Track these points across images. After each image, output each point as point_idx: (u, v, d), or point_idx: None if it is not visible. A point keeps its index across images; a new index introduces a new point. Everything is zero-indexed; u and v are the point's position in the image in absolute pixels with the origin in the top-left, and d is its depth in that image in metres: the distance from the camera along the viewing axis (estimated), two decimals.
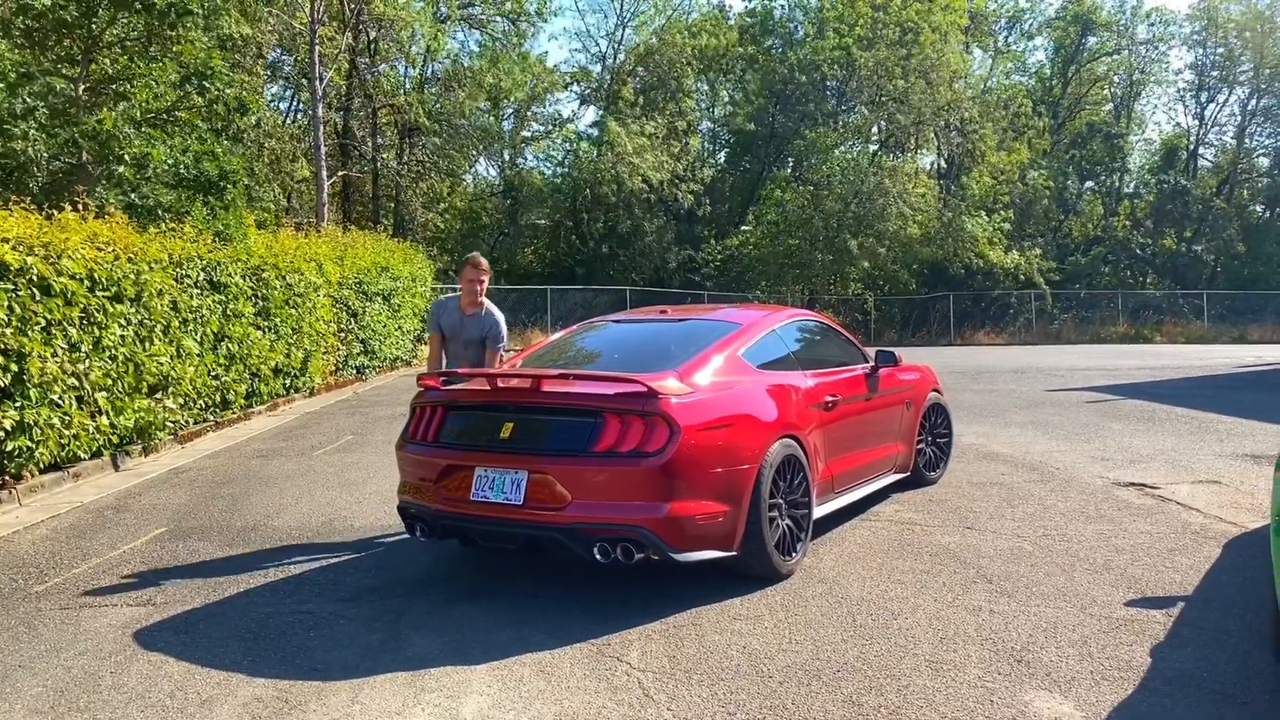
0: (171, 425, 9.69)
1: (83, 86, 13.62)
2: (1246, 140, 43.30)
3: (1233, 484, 7.42)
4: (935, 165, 40.98)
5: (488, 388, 5.07)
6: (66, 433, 7.75)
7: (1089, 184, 43.43)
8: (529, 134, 39.92)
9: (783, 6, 40.64)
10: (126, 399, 8.71)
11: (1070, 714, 3.43)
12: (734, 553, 4.81)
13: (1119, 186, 43.73)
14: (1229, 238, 40.64)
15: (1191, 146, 44.00)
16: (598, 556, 4.53)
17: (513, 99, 36.63)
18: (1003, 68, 43.65)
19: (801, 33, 39.74)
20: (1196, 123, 44.27)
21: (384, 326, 17.91)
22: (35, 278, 7.36)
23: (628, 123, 34.82)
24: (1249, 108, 42.65)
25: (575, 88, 40.62)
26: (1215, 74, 42.45)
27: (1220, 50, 41.93)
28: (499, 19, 35.36)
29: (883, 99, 35.99)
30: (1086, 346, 30.73)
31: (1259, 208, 44.02)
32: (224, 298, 10.97)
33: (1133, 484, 7.47)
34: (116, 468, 8.59)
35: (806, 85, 36.90)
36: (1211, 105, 43.73)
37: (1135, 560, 5.33)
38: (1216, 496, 6.98)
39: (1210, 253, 41.58)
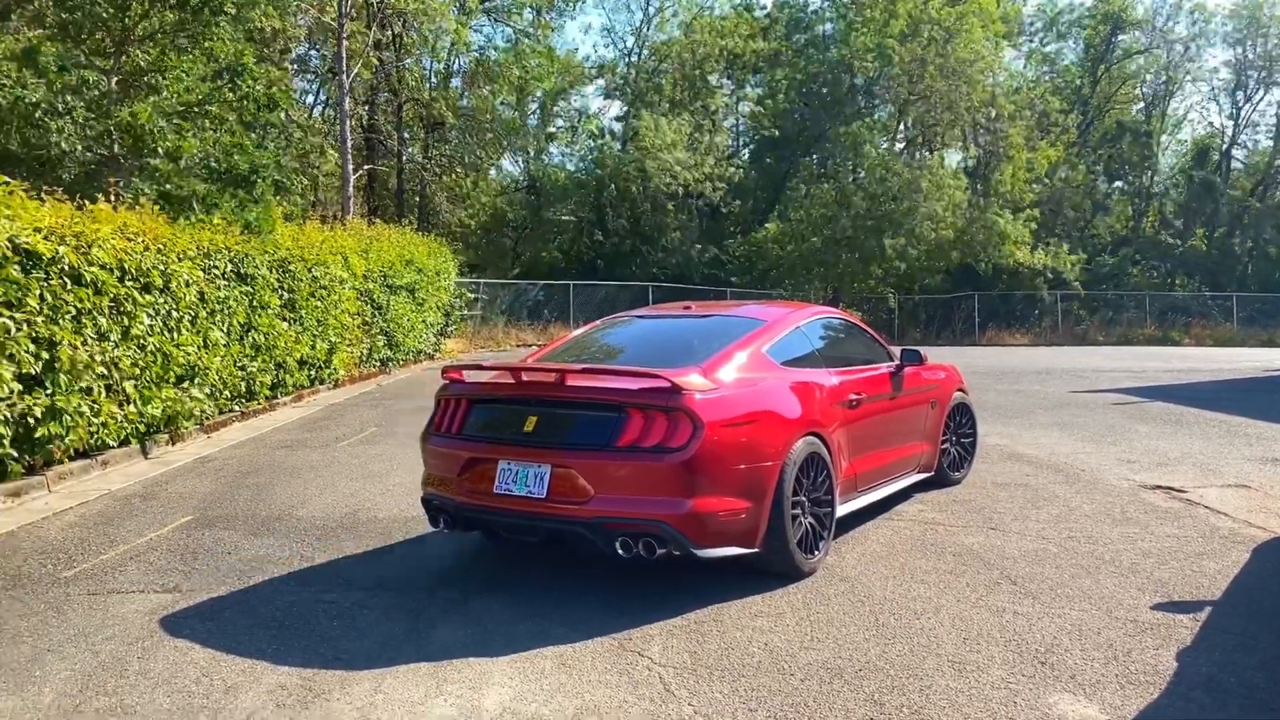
0: (198, 415, 9.79)
1: (115, 79, 13.76)
2: None
3: (1262, 488, 7.33)
4: (963, 163, 40.69)
5: (512, 381, 5.08)
6: (95, 420, 7.84)
7: (1118, 184, 42.97)
8: (554, 129, 40.00)
9: (813, 1, 40.46)
10: (154, 388, 8.80)
11: (1095, 717, 3.40)
12: (756, 550, 4.80)
13: (1149, 186, 43.23)
14: (1262, 239, 40.08)
15: (1225, 146, 43.43)
16: (619, 551, 4.53)
17: (538, 92, 36.65)
18: (1034, 68, 43.28)
19: (832, 29, 39.53)
20: (1231, 122, 43.75)
21: (408, 320, 18.00)
22: (66, 267, 7.45)
23: (657, 117, 34.79)
24: None
25: (600, 82, 40.65)
26: (1253, 74, 41.88)
27: (1260, 49, 41.32)
28: (526, 9, 35.40)
29: (914, 96, 35.76)
30: (1113, 348, 30.43)
31: None
32: (251, 289, 11.06)
33: (1159, 487, 7.39)
34: (145, 456, 8.68)
35: (836, 82, 36.72)
36: (1248, 105, 43.19)
37: (1162, 564, 5.27)
38: (1245, 501, 6.89)
39: (1242, 254, 41.04)
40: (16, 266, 6.90)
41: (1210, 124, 45.77)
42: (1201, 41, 42.29)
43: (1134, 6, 41.02)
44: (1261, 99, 42.96)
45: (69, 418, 7.42)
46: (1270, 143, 43.21)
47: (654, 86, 37.51)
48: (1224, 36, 42.42)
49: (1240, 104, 43.15)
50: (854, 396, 5.83)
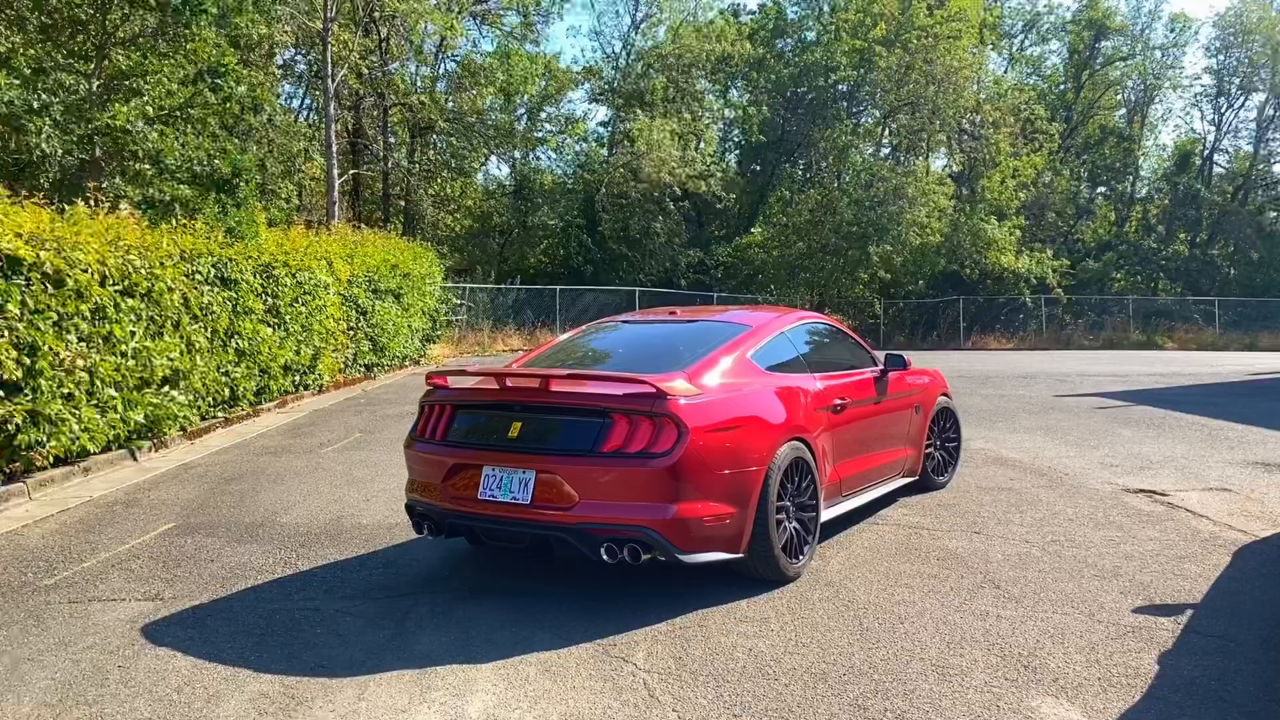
0: (181, 420, 9.72)
1: (96, 82, 13.68)
2: (1263, 147, 43.09)
3: (1243, 492, 7.39)
4: (947, 169, 40.90)
5: (496, 387, 5.07)
6: (77, 427, 7.78)
7: (1101, 189, 43.29)
8: (540, 134, 39.97)
9: (795, 8, 40.58)
10: (137, 394, 8.75)
11: None
12: (741, 555, 4.80)
13: (1132, 192, 43.57)
14: (1243, 244, 40.47)
15: (1206, 152, 43.82)
16: (605, 557, 4.52)
17: (524, 97, 36.64)
18: (1017, 73, 43.58)
19: (815, 34, 39.68)
20: (1213, 128, 44.16)
21: (393, 325, 17.95)
22: (47, 271, 7.40)
23: (652, 117, 34.82)
24: (1265, 114, 42.46)
25: (586, 86, 40.64)
26: (1236, 80, 42.31)
27: (1244, 55, 41.73)
28: (511, 12, 35.38)
29: (899, 102, 35.94)
30: (1097, 352, 30.62)
31: (1274, 214, 43.81)
32: (234, 294, 11.00)
33: (1142, 490, 7.44)
34: (133, 460, 8.62)
35: (820, 87, 36.85)
36: (1229, 111, 43.63)
37: (1144, 567, 5.30)
38: (1226, 504, 6.94)
39: (1224, 259, 41.42)
40: None
41: (1192, 130, 46.21)
42: (1180, 49, 42.78)
43: (1115, 13, 41.36)
44: (1242, 104, 43.41)
45: (50, 424, 7.37)
46: (1251, 148, 43.62)
47: (640, 92, 37.51)
48: (1205, 45, 42.97)
49: (1222, 110, 43.60)
50: (838, 401, 5.85)
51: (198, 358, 10.00)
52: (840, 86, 37.56)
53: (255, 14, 18.29)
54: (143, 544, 5.96)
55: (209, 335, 10.31)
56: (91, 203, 9.20)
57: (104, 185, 12.22)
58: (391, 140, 34.12)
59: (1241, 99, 43.04)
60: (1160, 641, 4.17)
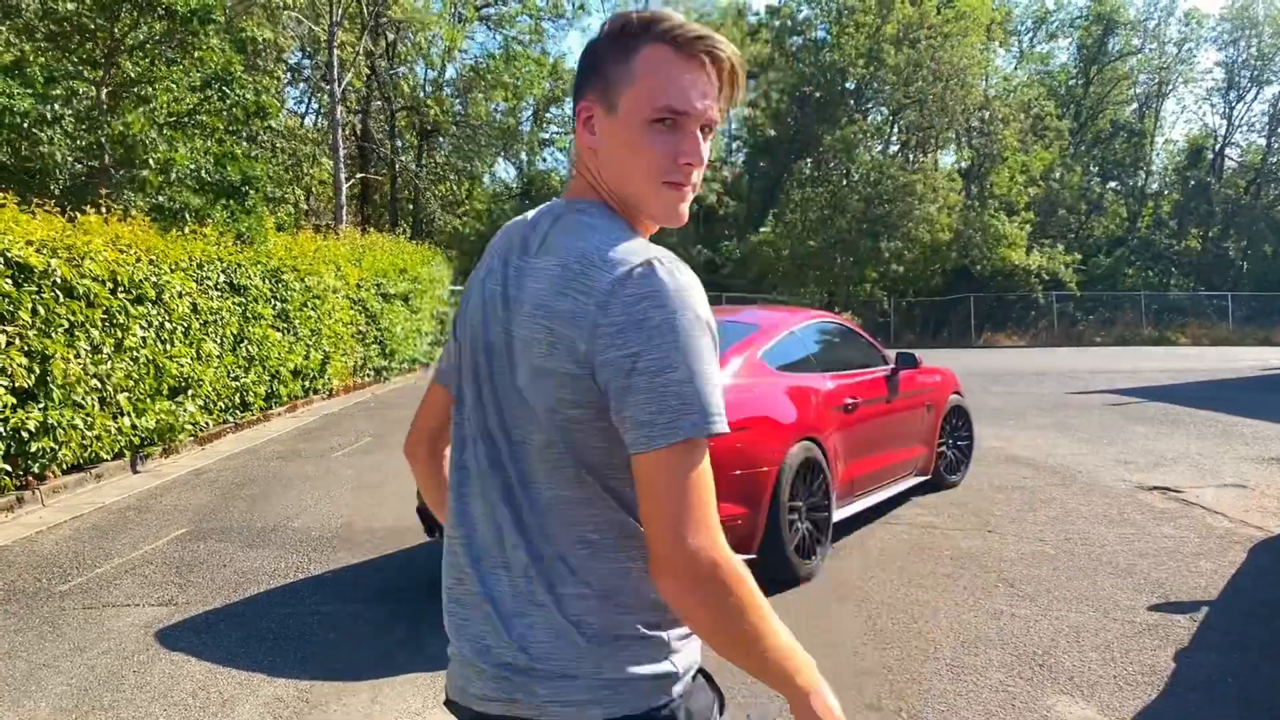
0: (192, 427, 9.75)
1: (105, 90, 13.75)
2: (1276, 140, 42.80)
3: (1258, 488, 7.33)
4: (958, 165, 40.78)
5: None
6: (89, 434, 7.81)
7: (1112, 184, 43.10)
8: (547, 135, 40.03)
9: (806, 8, 40.52)
10: (148, 400, 8.78)
11: (1093, 719, 3.40)
12: (753, 556, 4.78)
13: (1143, 186, 43.36)
14: (1257, 238, 40.22)
15: (1219, 145, 43.58)
16: None
17: (530, 97, 36.68)
18: (1025, 70, 43.45)
19: (825, 34, 39.62)
20: (1224, 121, 43.92)
21: (402, 328, 17.98)
22: (58, 280, 7.43)
23: None
24: (1279, 107, 42.22)
25: None
26: (1245, 73, 42.09)
27: (1253, 49, 41.55)
28: (523, 17, 35.44)
29: (908, 100, 35.87)
30: (1109, 349, 30.47)
31: None
32: (244, 300, 11.03)
33: (1156, 487, 7.40)
34: (137, 469, 8.65)
35: (829, 85, 36.79)
36: (1240, 104, 43.40)
37: (1159, 564, 5.27)
38: (1242, 500, 6.89)
39: (1237, 253, 41.18)
40: (8, 280, 6.88)
41: (1204, 123, 46.04)
42: (1193, 44, 42.60)
43: (1126, 7, 41.23)
44: (1254, 98, 43.19)
45: (62, 431, 7.40)
46: (1264, 141, 43.38)
47: None
48: (1215, 39, 42.71)
49: (1233, 103, 43.35)
50: (849, 401, 5.83)
51: (208, 364, 10.03)
52: (849, 85, 37.51)
53: (260, 18, 18.36)
54: (155, 549, 5.98)
55: (219, 341, 10.34)
56: (103, 210, 9.24)
57: (113, 194, 12.26)
58: (399, 144, 34.21)
59: (1254, 92, 42.84)
60: (1176, 639, 4.14)
